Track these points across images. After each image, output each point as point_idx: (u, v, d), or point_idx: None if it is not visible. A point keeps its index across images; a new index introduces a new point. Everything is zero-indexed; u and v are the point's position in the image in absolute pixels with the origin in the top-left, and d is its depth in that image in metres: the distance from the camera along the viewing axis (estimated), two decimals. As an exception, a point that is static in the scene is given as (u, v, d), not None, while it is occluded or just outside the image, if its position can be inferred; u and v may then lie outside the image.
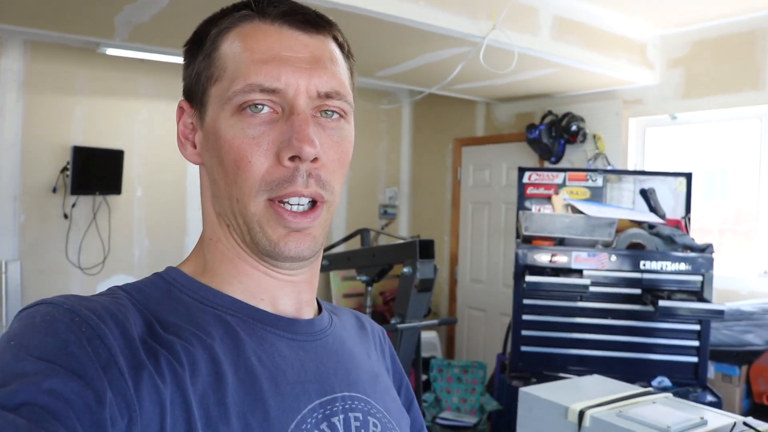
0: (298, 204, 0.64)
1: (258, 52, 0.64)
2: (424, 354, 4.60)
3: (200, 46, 0.68)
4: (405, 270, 2.40)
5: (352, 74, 0.72)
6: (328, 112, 0.66)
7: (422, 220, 5.85)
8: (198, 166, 0.72)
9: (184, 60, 0.71)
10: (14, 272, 4.17)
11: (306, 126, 0.62)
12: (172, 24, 3.08)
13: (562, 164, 4.67)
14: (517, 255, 2.65)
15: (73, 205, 4.38)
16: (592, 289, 2.53)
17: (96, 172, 4.40)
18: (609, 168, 4.11)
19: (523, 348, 2.65)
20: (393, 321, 2.44)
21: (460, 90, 4.70)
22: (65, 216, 4.37)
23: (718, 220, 4.09)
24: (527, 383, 2.65)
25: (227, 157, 0.64)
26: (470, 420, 4.19)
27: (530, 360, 2.65)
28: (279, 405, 0.62)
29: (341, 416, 0.66)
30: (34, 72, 4.26)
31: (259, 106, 0.63)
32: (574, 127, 4.50)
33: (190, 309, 0.65)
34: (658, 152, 4.39)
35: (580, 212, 2.75)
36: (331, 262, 2.85)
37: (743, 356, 2.92)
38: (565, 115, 4.58)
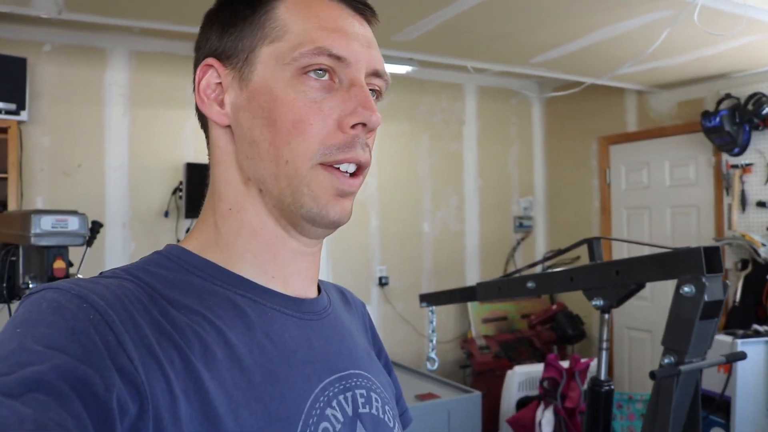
0: (347, 171, 0.64)
1: (325, 21, 0.64)
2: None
3: (250, 6, 0.66)
4: (685, 289, 1.71)
5: None
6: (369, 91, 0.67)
7: (564, 232, 5.12)
8: (213, 132, 0.70)
9: (226, 17, 0.67)
10: (126, 308, 3.71)
11: (370, 97, 0.64)
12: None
13: (748, 154, 3.90)
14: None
15: (187, 230, 3.89)
16: None
17: (210, 191, 3.91)
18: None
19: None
20: (665, 360, 1.76)
21: (615, 77, 4.01)
22: (178, 242, 3.89)
23: None
24: None
25: (284, 118, 0.63)
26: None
27: None
28: (293, 386, 0.61)
29: (348, 394, 0.67)
30: (139, 84, 3.83)
31: (321, 72, 0.63)
32: (766, 110, 3.74)
33: (199, 289, 0.63)
34: None
35: None
36: (540, 284, 2.19)
37: None
38: (752, 96, 3.82)
